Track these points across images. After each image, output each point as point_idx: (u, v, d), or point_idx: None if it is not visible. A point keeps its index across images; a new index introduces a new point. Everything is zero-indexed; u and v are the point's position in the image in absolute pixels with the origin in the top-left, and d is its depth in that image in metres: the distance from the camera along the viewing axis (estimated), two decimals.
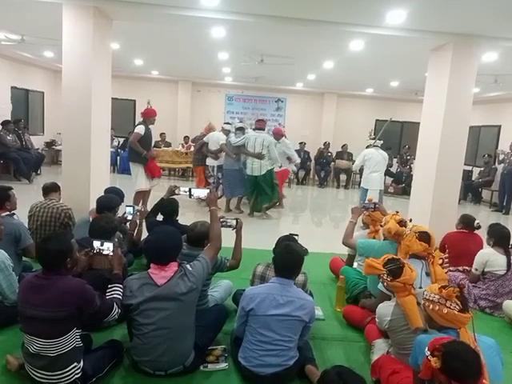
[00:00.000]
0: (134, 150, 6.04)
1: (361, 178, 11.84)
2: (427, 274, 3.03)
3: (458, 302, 1.99)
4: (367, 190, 6.83)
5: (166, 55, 8.97)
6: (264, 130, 7.18)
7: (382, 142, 7.14)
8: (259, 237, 5.42)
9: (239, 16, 5.02)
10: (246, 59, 8.04)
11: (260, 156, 6.76)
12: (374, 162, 6.83)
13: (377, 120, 13.03)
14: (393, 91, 11.60)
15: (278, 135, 7.57)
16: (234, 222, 3.26)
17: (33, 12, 5.75)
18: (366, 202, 4.16)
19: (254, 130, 7.24)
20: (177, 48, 7.88)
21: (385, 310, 2.56)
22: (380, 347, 2.68)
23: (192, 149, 10.38)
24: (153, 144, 6.56)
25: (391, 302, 2.56)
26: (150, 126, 6.24)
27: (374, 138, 7.21)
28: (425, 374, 1.70)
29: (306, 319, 2.49)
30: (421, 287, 2.89)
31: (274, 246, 3.09)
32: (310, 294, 3.04)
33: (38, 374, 2.19)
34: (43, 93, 11.60)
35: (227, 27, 5.62)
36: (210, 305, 3.08)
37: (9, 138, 8.86)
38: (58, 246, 2.21)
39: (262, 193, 6.98)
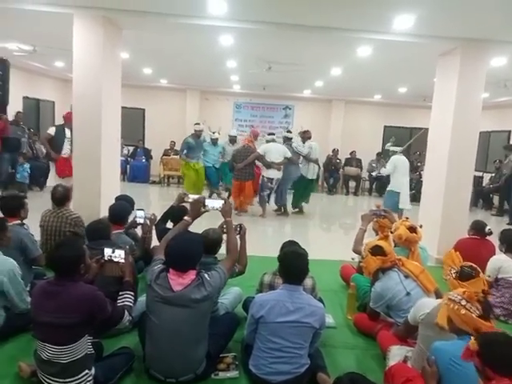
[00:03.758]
0: None
1: (371, 184, 11.96)
2: (406, 277, 3.05)
3: (479, 307, 1.97)
4: (399, 193, 7.08)
5: (174, 64, 9.05)
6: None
7: (401, 148, 7.61)
8: (266, 243, 5.41)
9: (247, 24, 5.06)
10: (253, 67, 8.08)
11: (317, 162, 7.91)
12: (403, 167, 7.24)
13: (385, 126, 12.98)
14: (401, 97, 11.57)
15: (254, 136, 8.69)
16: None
17: (44, 23, 5.83)
18: (375, 208, 4.14)
19: (303, 140, 7.82)
20: (185, 57, 7.95)
21: (428, 303, 2.52)
22: (396, 353, 2.64)
23: None
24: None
25: (439, 300, 2.52)
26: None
27: (396, 145, 7.67)
28: (466, 355, 1.74)
29: (316, 326, 2.47)
30: (409, 293, 2.94)
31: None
32: (320, 301, 3.02)
33: (50, 381, 2.19)
34: (54, 102, 11.75)
35: (235, 35, 5.67)
36: (220, 312, 3.07)
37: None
38: (71, 252, 2.23)
39: (308, 194, 8.08)
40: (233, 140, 8.75)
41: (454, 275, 2.52)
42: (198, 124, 8.63)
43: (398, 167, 7.18)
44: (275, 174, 7.20)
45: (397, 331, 2.90)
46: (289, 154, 7.29)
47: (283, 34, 5.34)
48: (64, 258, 2.20)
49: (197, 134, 8.43)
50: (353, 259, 4.01)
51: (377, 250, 3.13)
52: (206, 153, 8.69)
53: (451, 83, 5.32)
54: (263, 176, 7.34)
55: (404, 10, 4.36)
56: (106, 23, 5.01)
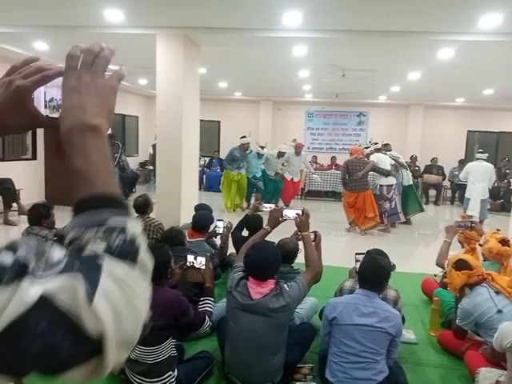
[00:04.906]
0: None
1: (454, 193, 11.27)
2: (497, 293, 2.83)
3: None
4: (469, 199, 7.02)
5: (248, 76, 9.29)
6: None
7: (487, 154, 7.41)
8: (343, 254, 5.32)
9: (321, 33, 5.06)
10: (326, 75, 8.04)
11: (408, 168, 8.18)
12: (475, 174, 7.16)
13: (469, 131, 12.20)
14: (487, 99, 10.80)
15: (299, 149, 8.88)
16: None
17: (130, 44, 6.30)
18: (461, 219, 3.91)
19: (383, 151, 7.89)
20: (259, 69, 8.12)
21: None
22: (486, 376, 2.44)
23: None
24: None
25: None
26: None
27: (480, 152, 7.57)
28: None
29: (392, 332, 2.39)
30: (501, 310, 2.72)
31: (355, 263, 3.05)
32: (402, 318, 2.88)
33: (138, 380, 2.34)
34: (137, 117, 12.60)
35: (309, 45, 5.69)
36: (296, 322, 3.06)
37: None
38: (161, 257, 2.36)
39: (417, 201, 8.11)
40: (281, 155, 8.72)
41: None
42: (244, 137, 8.51)
43: (470, 173, 7.09)
44: (393, 181, 7.42)
45: (484, 353, 2.69)
46: (392, 160, 7.53)
47: (358, 41, 5.27)
48: (154, 262, 2.33)
49: (244, 147, 8.38)
50: (435, 275, 3.79)
51: (461, 265, 2.93)
52: (248, 164, 8.69)
53: None
54: (381, 185, 7.39)
55: (490, 9, 4.09)
56: (186, 42, 5.29)
